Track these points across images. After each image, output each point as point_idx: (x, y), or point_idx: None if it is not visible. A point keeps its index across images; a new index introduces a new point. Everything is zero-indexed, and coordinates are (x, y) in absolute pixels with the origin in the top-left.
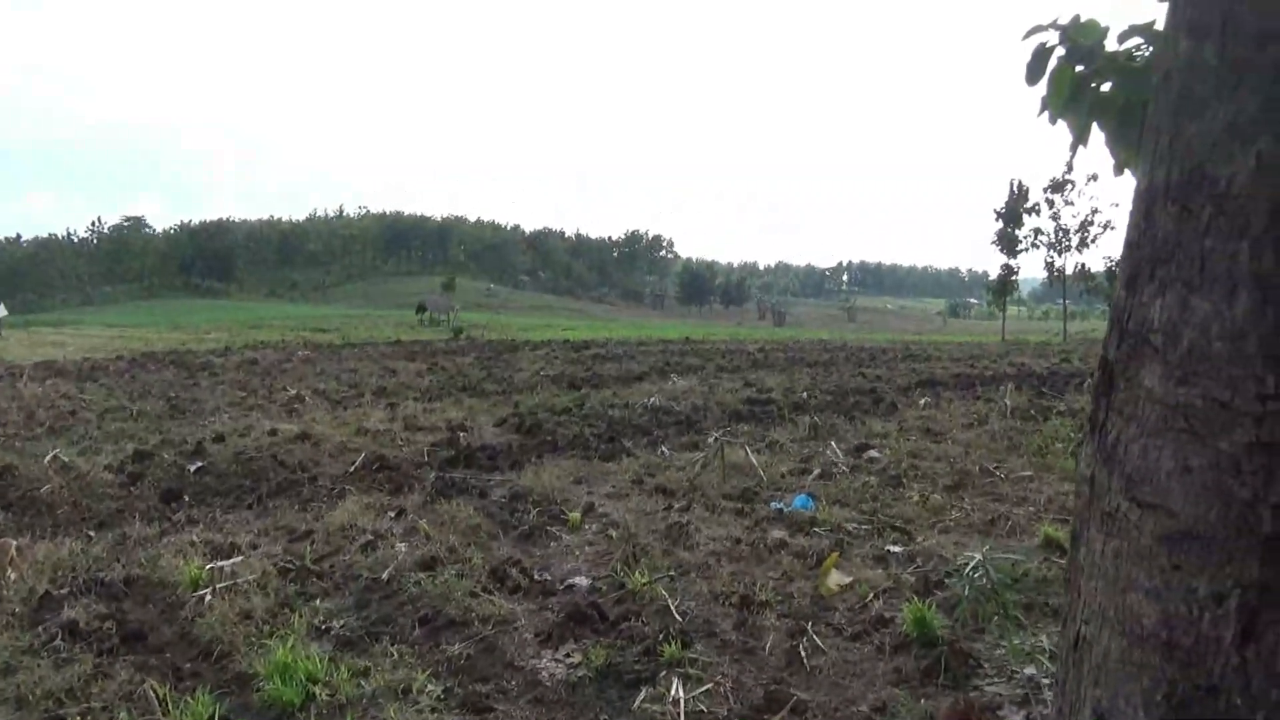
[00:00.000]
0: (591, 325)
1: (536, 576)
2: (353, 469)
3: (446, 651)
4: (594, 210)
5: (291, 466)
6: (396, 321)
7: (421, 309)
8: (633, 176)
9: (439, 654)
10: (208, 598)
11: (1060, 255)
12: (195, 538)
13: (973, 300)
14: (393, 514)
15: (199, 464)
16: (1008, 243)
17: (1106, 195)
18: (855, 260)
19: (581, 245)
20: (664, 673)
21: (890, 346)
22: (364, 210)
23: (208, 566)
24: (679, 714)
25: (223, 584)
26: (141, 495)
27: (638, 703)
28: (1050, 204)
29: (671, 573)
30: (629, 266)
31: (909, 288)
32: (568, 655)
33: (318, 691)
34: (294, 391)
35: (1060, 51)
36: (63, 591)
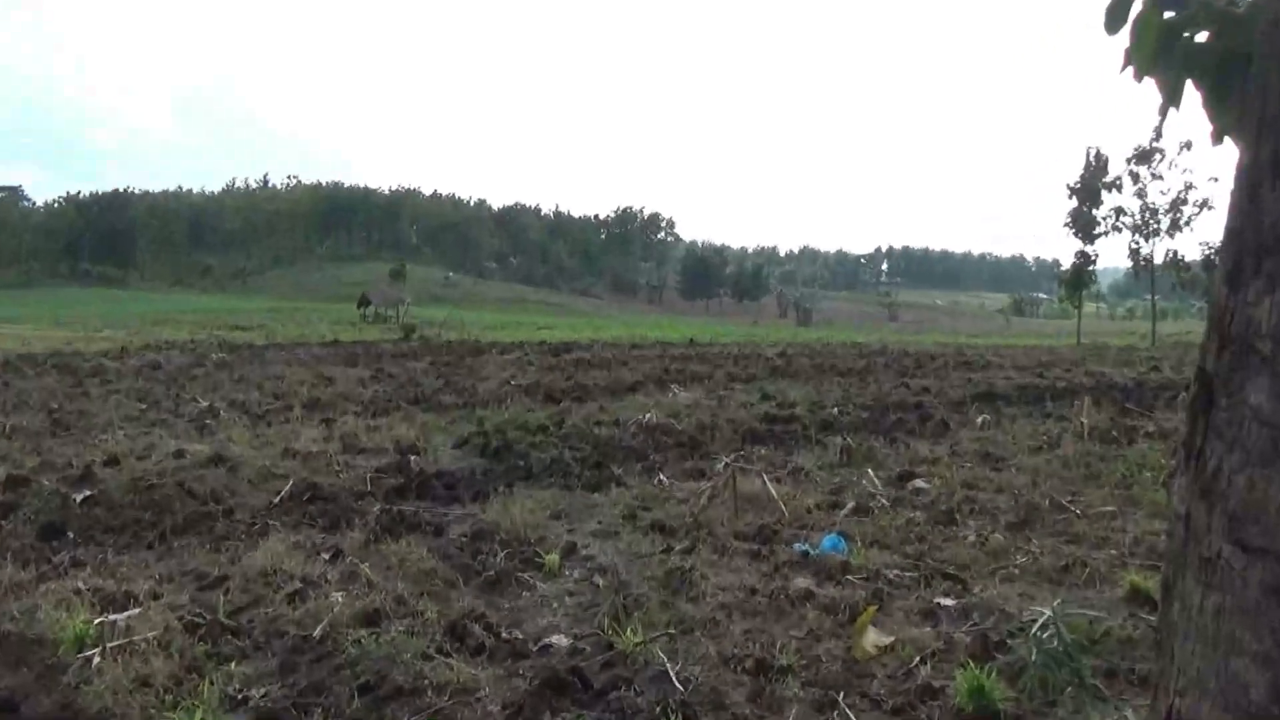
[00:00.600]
0: (574, 323)
1: (504, 634)
2: (278, 500)
3: None
4: (577, 183)
5: (202, 496)
6: (334, 318)
7: (364, 302)
8: (624, 143)
9: None
10: (96, 660)
11: (1147, 241)
12: (81, 584)
13: (1041, 295)
14: (327, 556)
15: (87, 493)
16: (1084, 225)
17: (1203, 168)
18: (897, 245)
19: (562, 225)
20: None
21: (940, 351)
22: (294, 180)
23: (96, 621)
24: None
25: (115, 643)
26: (14, 532)
27: None
28: (1135, 178)
29: (671, 630)
30: (620, 251)
31: (962, 279)
32: None
33: None
34: (206, 403)
35: None
36: None
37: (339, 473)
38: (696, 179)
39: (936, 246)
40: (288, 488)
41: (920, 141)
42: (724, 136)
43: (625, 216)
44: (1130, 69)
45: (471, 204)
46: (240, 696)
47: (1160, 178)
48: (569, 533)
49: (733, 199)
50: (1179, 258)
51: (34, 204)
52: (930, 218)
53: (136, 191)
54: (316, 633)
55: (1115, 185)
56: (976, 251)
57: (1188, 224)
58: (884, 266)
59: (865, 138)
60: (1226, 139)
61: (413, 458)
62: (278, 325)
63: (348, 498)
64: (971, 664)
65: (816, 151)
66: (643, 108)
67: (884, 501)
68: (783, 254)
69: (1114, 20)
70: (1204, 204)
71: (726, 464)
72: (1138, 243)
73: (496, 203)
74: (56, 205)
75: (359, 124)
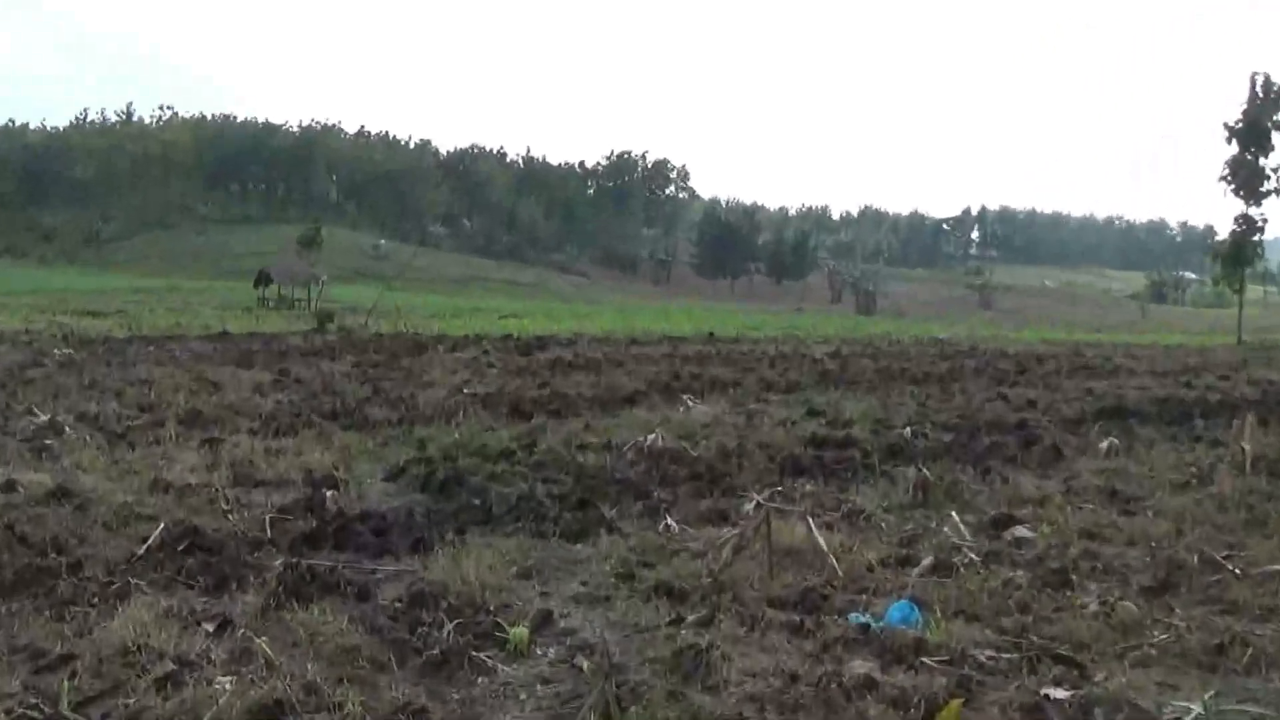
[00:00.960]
0: (551, 309)
1: None
2: (144, 550)
3: None
4: (555, 121)
5: (40, 545)
6: (222, 301)
7: (264, 280)
8: (617, 64)
9: None
10: None
11: None
12: None
13: (1189, 274)
14: (210, 626)
15: None
16: (1247, 179)
17: None
18: (992, 206)
19: (535, 175)
20: None
21: (1051, 351)
22: (168, 113)
23: None
24: None
25: None
26: None
27: None
28: None
29: None
30: (615, 211)
31: (1081, 253)
32: None
33: None
34: (45, 418)
35: None
36: None
37: (227, 513)
38: (716, 115)
39: (1045, 208)
40: (157, 533)
41: (1021, 63)
42: (752, 58)
43: (621, 164)
44: None
45: (411, 146)
46: None
47: None
48: (542, 597)
49: (767, 143)
50: None
51: None
52: (1036, 169)
53: None
54: None
55: None
56: (1100, 215)
57: None
58: (974, 235)
59: (946, 58)
60: None
61: (329, 493)
62: (145, 311)
63: (239, 547)
64: None
65: (879, 79)
66: (640, 13)
67: (973, 556)
68: (836, 217)
69: None
70: None
71: (758, 504)
72: None
73: (445, 145)
74: None
75: (257, 39)
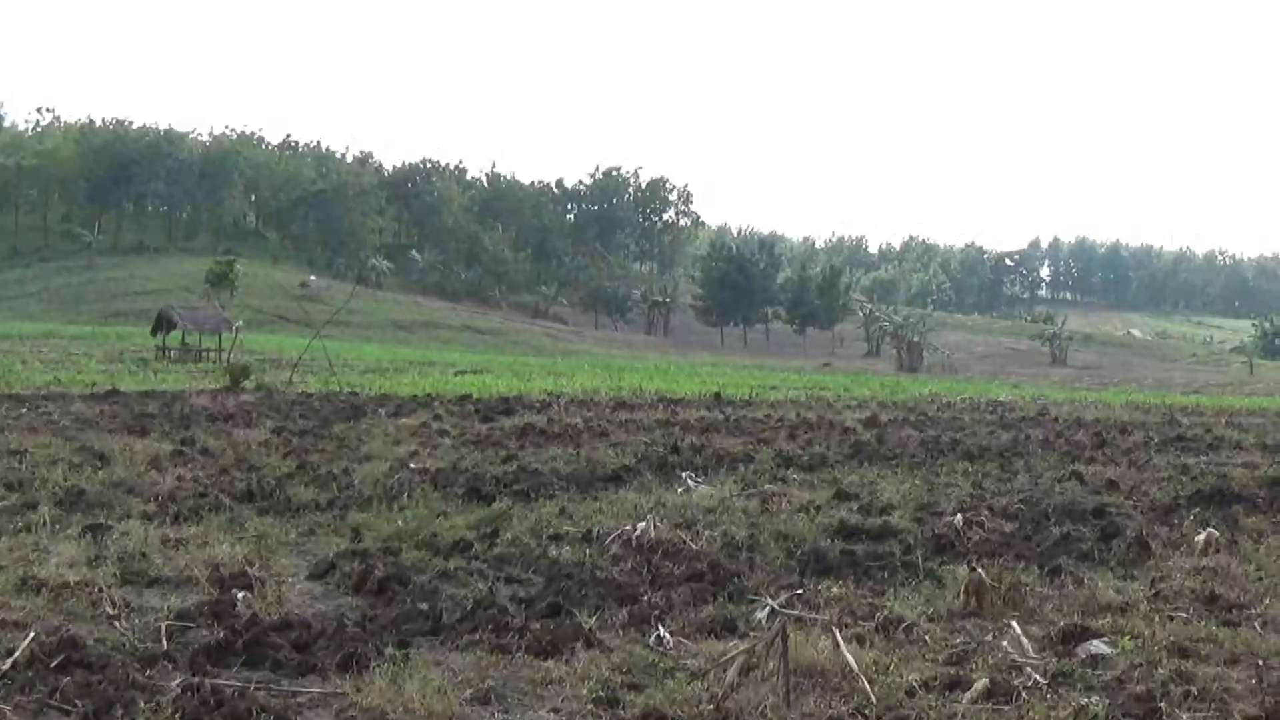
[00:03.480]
0: (520, 363)
1: None
2: (9, 665)
3: None
4: (527, 134)
5: None
6: (110, 350)
7: (165, 325)
8: (606, 72)
9: None
10: None
11: None
12: None
13: None
14: None
15: None
16: None
17: None
18: (1064, 238)
19: (503, 197)
20: None
21: (1137, 419)
22: (47, 118)
23: None
24: None
25: None
26: None
27: None
28: None
29: None
30: (601, 240)
31: (1173, 295)
32: None
33: None
34: None
35: None
36: None
37: (113, 620)
38: (726, 124)
39: (1131, 241)
40: (25, 645)
41: (1102, 64)
42: (768, 55)
43: (608, 183)
44: None
45: (349, 161)
46: None
47: None
48: None
49: (788, 158)
50: None
51: None
52: (1120, 193)
53: None
54: None
55: None
56: (1199, 250)
57: None
58: (1043, 272)
59: (1010, 57)
60: None
61: (240, 595)
62: (15, 363)
63: (127, 664)
64: None
65: (925, 80)
66: (633, 12)
67: (1037, 678)
68: (873, 250)
69: None
70: None
71: (773, 611)
72: None
73: (391, 160)
74: None
75: (159, 29)
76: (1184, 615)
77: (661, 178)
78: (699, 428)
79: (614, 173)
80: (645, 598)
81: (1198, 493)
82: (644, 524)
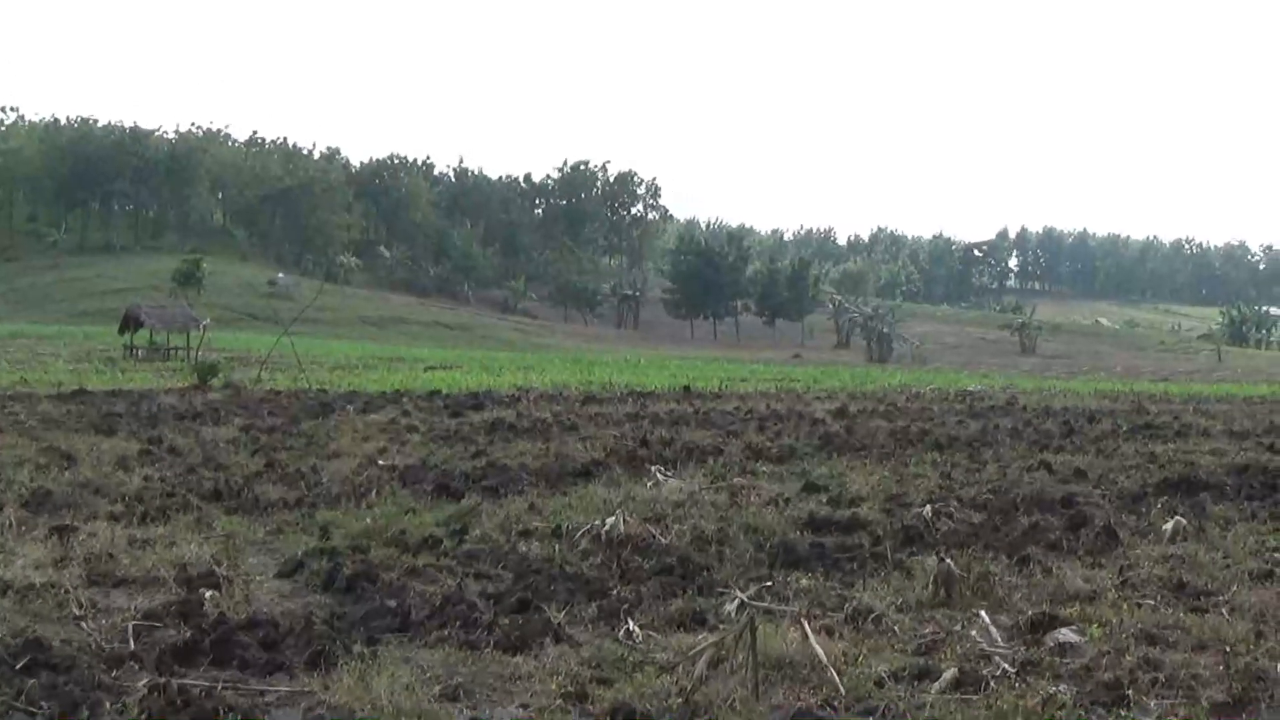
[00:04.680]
0: (489, 358)
1: None
2: None
3: None
4: (494, 129)
5: None
6: (78, 349)
7: (132, 324)
8: (573, 65)
9: None
10: None
11: None
12: None
13: (1276, 310)
14: None
15: None
16: None
17: None
18: (1032, 228)
19: (470, 193)
20: None
21: (1106, 407)
22: (12, 116)
23: None
24: None
25: None
26: None
27: None
28: None
29: None
30: (572, 235)
31: (1141, 284)
32: None
33: None
34: None
35: None
36: None
37: (80, 620)
38: (693, 118)
39: (1099, 229)
40: None
41: (1068, 54)
42: (735, 49)
43: (576, 178)
44: None
45: (316, 157)
46: None
47: None
48: None
49: (756, 152)
50: None
51: None
52: (1088, 183)
53: None
54: None
55: None
56: (1166, 238)
57: None
58: (1012, 263)
59: (975, 49)
60: None
61: (207, 594)
62: None
63: (94, 664)
64: None
65: (892, 73)
66: (601, 6)
67: (1006, 667)
68: (842, 242)
69: None
70: None
71: (742, 604)
72: None
73: (358, 156)
74: None
75: (126, 25)
76: (1152, 603)
77: (629, 171)
78: (668, 421)
79: (582, 167)
80: (614, 592)
81: (1165, 481)
82: (613, 519)
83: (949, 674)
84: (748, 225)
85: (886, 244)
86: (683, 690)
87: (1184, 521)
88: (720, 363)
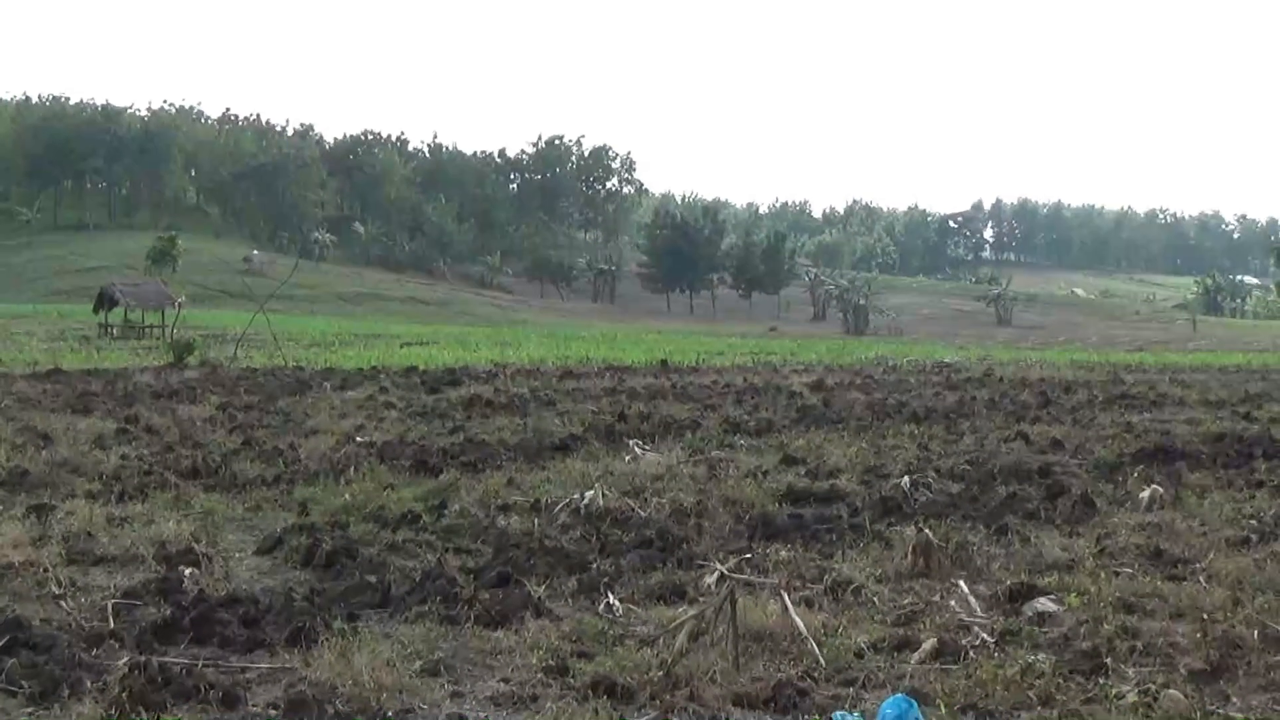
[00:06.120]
0: (466, 333)
1: None
2: None
3: None
4: (467, 104)
5: None
6: (52, 329)
7: (107, 303)
8: (545, 39)
9: None
10: None
11: None
12: None
13: (1249, 279)
14: None
15: None
16: None
17: None
18: (1007, 199)
19: (445, 168)
20: None
21: (1081, 378)
22: None
23: None
24: None
25: None
26: None
27: None
28: None
29: None
30: (548, 210)
31: (1116, 254)
32: None
33: None
34: None
35: None
36: None
37: (59, 600)
38: (667, 92)
39: (1074, 200)
40: None
41: (1042, 24)
42: (707, 21)
43: (550, 153)
44: None
45: (289, 134)
46: None
47: None
48: (454, 699)
49: (730, 126)
50: None
51: None
52: (1061, 154)
53: None
54: None
55: None
56: (1141, 209)
57: None
58: (987, 234)
59: (947, 20)
60: None
61: (187, 572)
62: None
63: (73, 643)
64: None
65: (865, 44)
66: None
67: (985, 637)
68: (817, 215)
69: None
70: None
71: (722, 576)
72: None
73: (332, 132)
74: None
75: (91, 4)
76: (1129, 571)
77: (604, 146)
78: (646, 395)
79: (556, 141)
80: (594, 566)
81: (1141, 450)
82: (592, 492)
83: (928, 644)
84: (723, 199)
85: (862, 216)
86: (663, 663)
87: (1160, 490)
88: (697, 336)
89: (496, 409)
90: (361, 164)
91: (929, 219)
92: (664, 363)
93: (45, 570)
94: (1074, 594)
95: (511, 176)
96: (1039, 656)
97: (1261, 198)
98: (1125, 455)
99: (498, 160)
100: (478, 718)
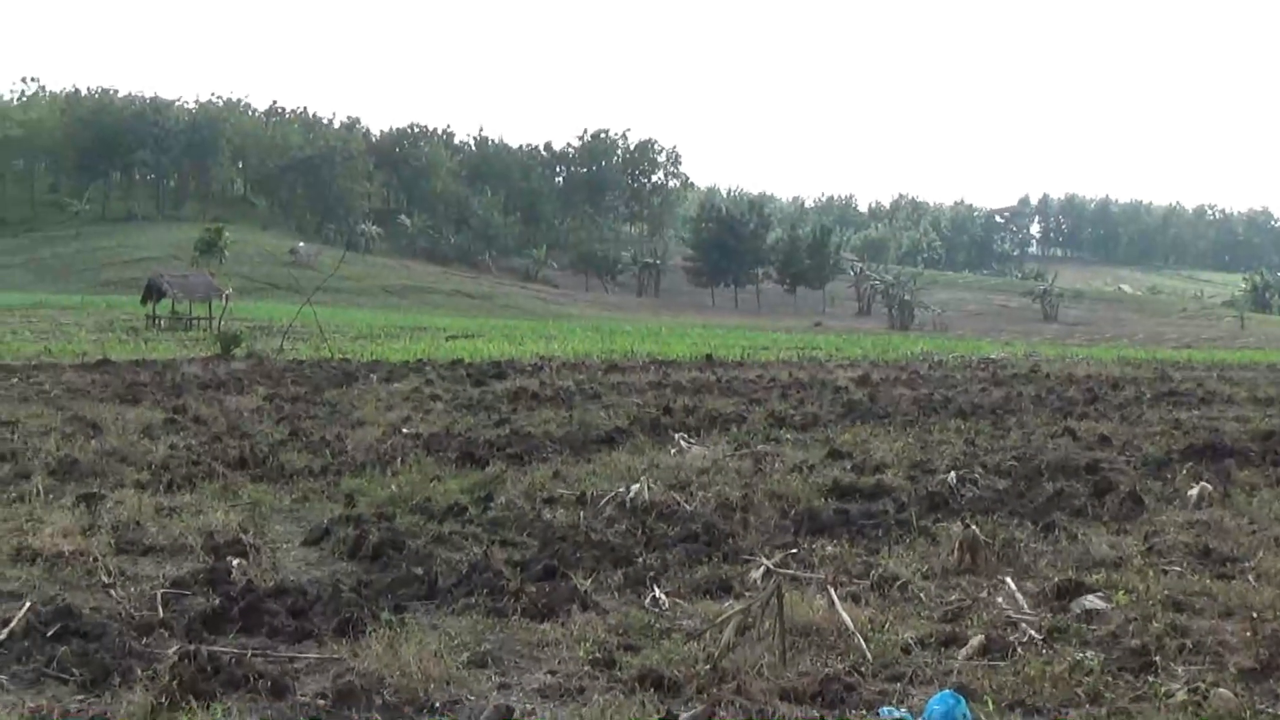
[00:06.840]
0: (511, 327)
1: None
2: (5, 635)
3: None
4: (514, 97)
5: None
6: (100, 319)
7: (155, 294)
8: (593, 32)
9: None
10: None
11: None
12: None
13: None
14: None
15: None
16: None
17: None
18: (1054, 195)
19: (490, 161)
20: None
21: (1129, 375)
22: (33, 87)
23: None
24: None
25: None
26: None
27: None
28: None
29: None
30: (593, 203)
31: (1164, 251)
32: None
33: None
34: None
35: None
36: None
37: (109, 589)
38: (713, 85)
39: (1121, 196)
40: (21, 615)
41: (1091, 20)
42: (754, 14)
43: (596, 146)
44: None
45: (336, 127)
46: None
47: None
48: (500, 690)
49: (776, 119)
50: None
51: None
52: (1110, 149)
53: None
54: None
55: None
56: (1189, 205)
57: None
58: (1033, 229)
59: (998, 14)
60: None
61: (235, 562)
62: (5, 334)
63: (123, 632)
64: None
65: (913, 37)
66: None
67: (1032, 633)
68: (863, 209)
69: None
70: None
71: (768, 571)
72: None
73: (378, 125)
74: None
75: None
76: (1178, 569)
77: (650, 139)
78: (691, 389)
79: (602, 135)
80: (640, 559)
81: (1190, 447)
82: (638, 486)
83: (976, 640)
84: (768, 192)
85: (908, 211)
86: (710, 657)
87: (1209, 488)
88: (742, 331)
89: (542, 402)
90: (408, 157)
91: (975, 214)
92: (709, 357)
93: (95, 559)
94: (1122, 591)
95: (557, 170)
96: (1087, 654)
97: None
98: (1173, 452)
99: (543, 153)
100: (525, 709)
